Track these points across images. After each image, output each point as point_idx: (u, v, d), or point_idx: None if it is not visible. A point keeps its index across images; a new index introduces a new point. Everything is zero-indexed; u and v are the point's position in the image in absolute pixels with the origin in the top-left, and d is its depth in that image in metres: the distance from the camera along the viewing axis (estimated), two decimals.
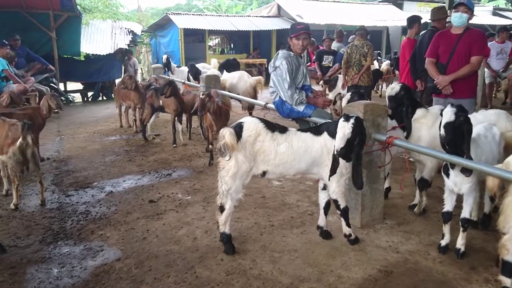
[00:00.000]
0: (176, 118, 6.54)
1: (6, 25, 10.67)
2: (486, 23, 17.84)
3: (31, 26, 11.23)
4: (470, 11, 4.40)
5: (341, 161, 3.04)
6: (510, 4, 27.17)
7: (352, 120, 2.93)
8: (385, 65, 11.30)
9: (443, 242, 3.19)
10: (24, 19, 11.11)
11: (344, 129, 2.90)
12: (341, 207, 3.25)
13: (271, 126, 3.12)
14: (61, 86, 13.02)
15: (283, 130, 3.15)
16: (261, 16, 18.03)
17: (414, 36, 6.38)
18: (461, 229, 3.08)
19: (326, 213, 3.45)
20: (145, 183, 4.98)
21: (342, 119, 2.97)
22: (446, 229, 3.18)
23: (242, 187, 3.13)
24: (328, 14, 17.19)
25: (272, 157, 3.07)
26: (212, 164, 5.50)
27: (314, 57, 9.37)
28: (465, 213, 3.03)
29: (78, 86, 13.90)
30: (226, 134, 2.94)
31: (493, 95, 10.40)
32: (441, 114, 2.85)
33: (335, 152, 2.91)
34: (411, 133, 3.80)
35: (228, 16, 18.39)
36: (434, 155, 3.07)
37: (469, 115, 3.80)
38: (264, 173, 3.15)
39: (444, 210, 3.16)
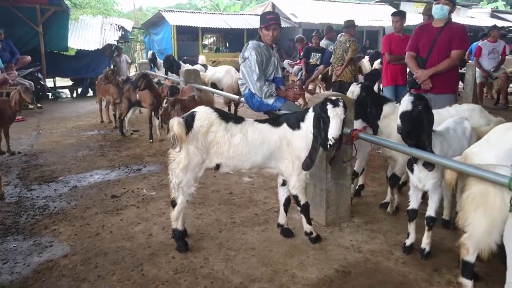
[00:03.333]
0: (153, 112, 6.36)
1: None
2: (484, 25, 17.66)
3: (18, 20, 11.08)
4: (451, 3, 4.24)
5: (300, 153, 2.87)
6: (509, 6, 27.01)
7: (342, 104, 2.68)
8: (376, 64, 11.11)
9: (408, 242, 3.01)
10: (10, 13, 10.96)
11: (340, 115, 2.64)
12: (301, 203, 3.06)
13: (225, 116, 2.94)
14: (51, 82, 12.88)
15: (238, 120, 2.97)
16: (255, 14, 17.85)
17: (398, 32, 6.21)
18: (426, 227, 2.90)
19: (286, 210, 3.26)
20: (112, 178, 4.80)
21: (330, 105, 2.67)
22: (411, 228, 3.00)
23: (194, 180, 2.95)
24: (323, 13, 17.04)
25: (226, 149, 2.88)
26: None
27: (301, 54, 9.18)
28: (430, 211, 2.87)
29: (68, 81, 13.75)
30: (175, 124, 2.77)
31: (485, 95, 10.20)
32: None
33: (331, 142, 2.66)
34: (382, 131, 3.63)
35: (222, 14, 18.23)
36: (396, 148, 2.88)
37: (441, 109, 3.68)
38: (218, 166, 2.97)
39: (409, 207, 2.98)
